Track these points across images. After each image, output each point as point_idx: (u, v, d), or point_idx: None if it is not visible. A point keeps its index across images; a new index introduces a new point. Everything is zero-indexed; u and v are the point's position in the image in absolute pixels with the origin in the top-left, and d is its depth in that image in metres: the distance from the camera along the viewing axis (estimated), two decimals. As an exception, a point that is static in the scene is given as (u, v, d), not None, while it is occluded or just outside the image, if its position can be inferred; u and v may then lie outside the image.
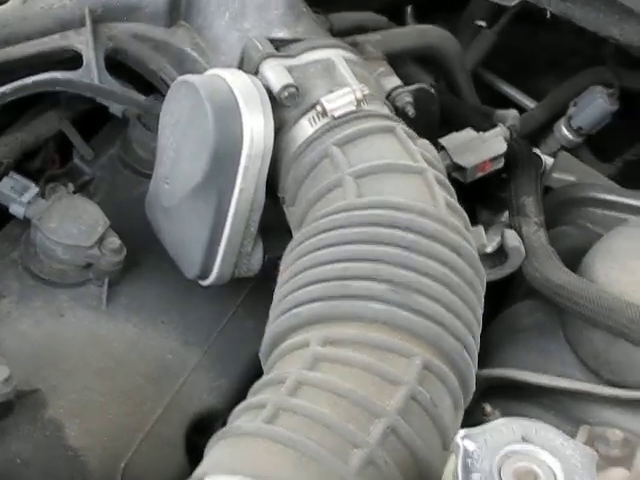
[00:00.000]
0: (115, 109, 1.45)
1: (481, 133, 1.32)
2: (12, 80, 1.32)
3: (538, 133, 1.74)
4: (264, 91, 1.21)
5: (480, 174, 1.29)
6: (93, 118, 1.51)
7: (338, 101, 1.21)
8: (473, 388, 1.06)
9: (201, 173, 1.19)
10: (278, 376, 0.99)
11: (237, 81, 1.21)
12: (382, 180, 1.13)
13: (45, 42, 1.36)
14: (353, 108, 1.20)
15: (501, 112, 1.40)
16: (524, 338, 1.30)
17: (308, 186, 1.18)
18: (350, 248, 1.06)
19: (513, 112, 1.39)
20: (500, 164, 1.31)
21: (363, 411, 0.93)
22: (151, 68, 1.40)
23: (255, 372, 1.28)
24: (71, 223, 1.30)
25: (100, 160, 1.47)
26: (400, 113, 1.28)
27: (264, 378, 1.02)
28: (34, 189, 1.31)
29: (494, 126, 1.36)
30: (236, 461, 0.90)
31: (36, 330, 1.26)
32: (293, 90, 1.21)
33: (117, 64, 1.39)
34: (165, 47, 1.40)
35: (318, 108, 1.21)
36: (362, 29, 1.45)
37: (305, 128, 1.21)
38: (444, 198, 1.12)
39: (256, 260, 1.28)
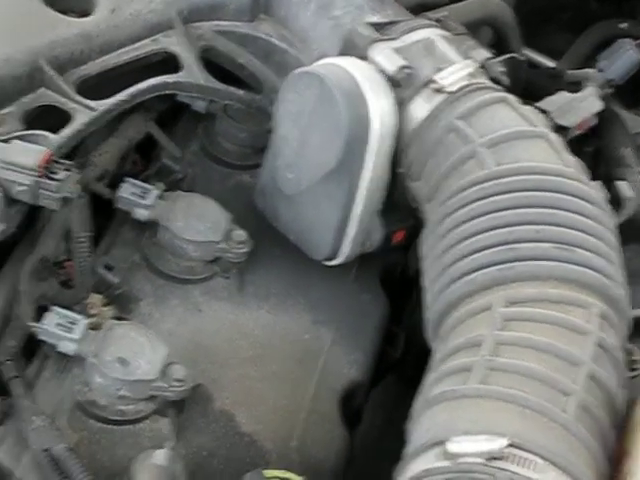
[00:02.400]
0: (198, 106, 1.48)
1: (575, 94, 1.40)
2: (112, 88, 1.35)
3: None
4: (382, 75, 1.27)
5: (577, 132, 1.38)
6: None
7: (451, 77, 1.27)
8: (631, 329, 1.15)
9: (334, 159, 1.25)
10: (470, 340, 1.07)
11: (356, 68, 1.26)
12: (513, 147, 1.20)
13: (139, 48, 1.38)
14: (467, 82, 1.27)
15: (577, 73, 1.49)
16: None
17: (436, 161, 1.25)
18: (507, 213, 1.13)
19: (591, 71, 1.48)
20: (594, 121, 1.40)
21: (564, 362, 1.01)
22: (239, 62, 1.44)
23: (379, 343, 1.37)
24: (196, 220, 1.33)
25: (185, 157, 1.49)
26: (495, 83, 1.35)
27: (452, 344, 1.09)
28: (154, 192, 1.33)
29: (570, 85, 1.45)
30: (467, 421, 0.98)
31: (180, 328, 1.30)
32: (409, 71, 1.27)
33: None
34: (252, 41, 1.44)
35: (433, 85, 1.27)
36: (424, 7, 1.51)
37: (422, 106, 1.27)
38: (570, 157, 1.21)
39: (377, 235, 1.34)
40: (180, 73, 1.36)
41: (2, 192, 1.13)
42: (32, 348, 1.24)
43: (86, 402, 1.18)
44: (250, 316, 1.34)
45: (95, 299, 1.29)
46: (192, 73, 1.36)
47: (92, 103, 1.29)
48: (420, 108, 1.28)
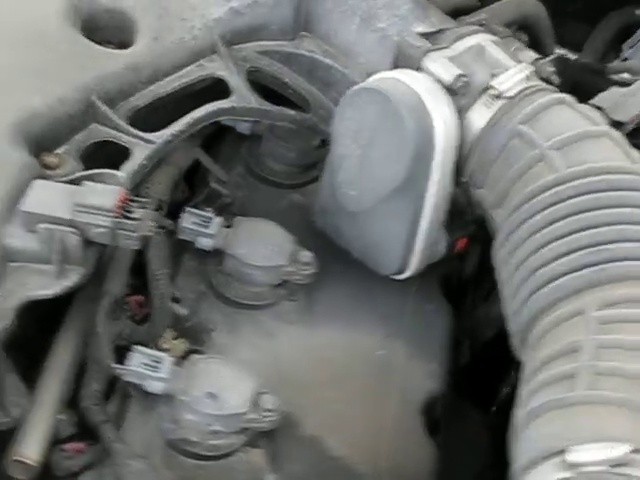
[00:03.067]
0: (242, 128, 1.47)
1: (626, 88, 1.40)
2: (161, 118, 1.34)
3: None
4: (440, 85, 1.26)
5: (631, 127, 1.38)
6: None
7: (508, 82, 1.27)
8: None
9: (401, 175, 1.24)
10: (566, 346, 1.06)
11: (416, 80, 1.25)
12: (581, 148, 1.20)
13: (185, 75, 1.37)
14: (524, 86, 1.27)
15: (618, 66, 1.49)
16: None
17: (501, 167, 1.24)
18: (587, 215, 1.13)
19: (635, 63, 1.48)
20: (647, 114, 1.40)
21: None
22: (284, 81, 1.43)
23: (449, 352, 1.37)
24: (261, 245, 1.32)
25: (232, 180, 1.48)
26: (547, 84, 1.35)
27: (545, 352, 1.08)
28: (216, 220, 1.32)
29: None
30: (584, 429, 0.97)
31: (256, 355, 1.29)
32: (465, 79, 1.27)
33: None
34: (295, 59, 1.43)
35: (491, 92, 1.26)
36: (460, 11, 1.51)
37: (481, 113, 1.27)
38: (636, 153, 1.21)
39: (442, 245, 1.34)
40: (232, 98, 1.35)
41: (80, 235, 1.10)
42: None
43: (178, 440, 1.17)
44: (323, 337, 1.33)
45: (166, 333, 1.27)
46: (243, 97, 1.35)
47: (149, 136, 1.28)
48: (479, 116, 1.27)
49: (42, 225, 1.11)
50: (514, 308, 1.16)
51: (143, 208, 1.13)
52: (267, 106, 1.37)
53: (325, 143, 1.48)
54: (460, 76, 1.27)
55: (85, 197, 1.11)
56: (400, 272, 1.33)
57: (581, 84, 1.42)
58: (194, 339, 1.28)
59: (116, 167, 1.24)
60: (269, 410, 1.16)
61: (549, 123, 1.24)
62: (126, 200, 1.12)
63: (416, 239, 1.30)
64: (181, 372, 1.16)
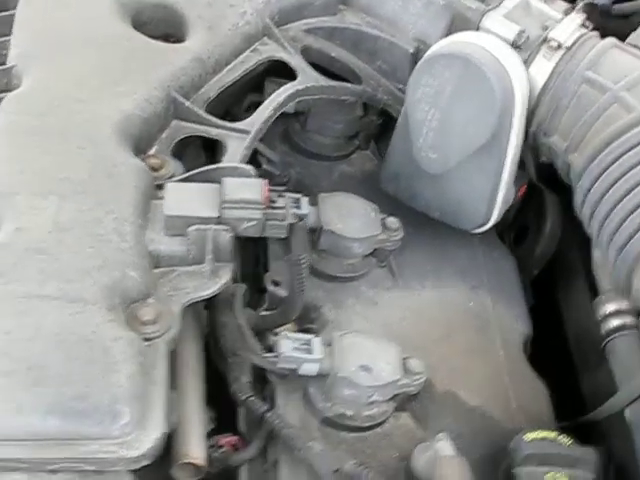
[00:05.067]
0: (288, 107, 1.48)
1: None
2: (227, 106, 1.35)
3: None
4: (505, 43, 1.32)
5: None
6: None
7: (564, 32, 1.35)
8: None
9: (487, 133, 1.31)
10: None
11: (486, 41, 1.31)
12: (649, 86, 1.29)
13: (245, 61, 1.38)
14: (579, 34, 1.35)
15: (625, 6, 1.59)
16: None
17: (573, 113, 1.32)
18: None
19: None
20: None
21: None
22: (332, 56, 1.45)
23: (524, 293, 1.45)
24: (351, 218, 1.34)
25: (281, 160, 1.49)
26: (584, 29, 1.43)
27: None
28: (304, 199, 1.33)
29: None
30: None
31: (368, 324, 1.32)
32: (525, 34, 1.33)
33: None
34: (340, 33, 1.46)
35: (551, 43, 1.34)
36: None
37: (544, 64, 1.34)
38: None
39: (511, 194, 1.41)
40: (300, 78, 1.36)
41: (231, 232, 1.11)
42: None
43: (334, 417, 1.19)
44: (420, 297, 1.39)
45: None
46: (309, 76, 1.37)
47: (241, 125, 1.28)
48: (543, 67, 1.34)
49: (192, 227, 1.10)
50: (611, 254, 1.24)
51: (281, 197, 1.14)
52: (332, 82, 1.39)
53: (367, 112, 1.52)
54: (521, 32, 1.33)
55: (233, 193, 1.11)
56: (483, 225, 1.40)
57: (605, 28, 1.51)
58: (304, 318, 1.30)
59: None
60: (418, 373, 1.20)
61: (612, 66, 1.32)
62: (270, 191, 1.13)
63: (498, 191, 1.36)
64: (332, 351, 1.19)
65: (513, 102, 1.30)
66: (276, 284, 1.32)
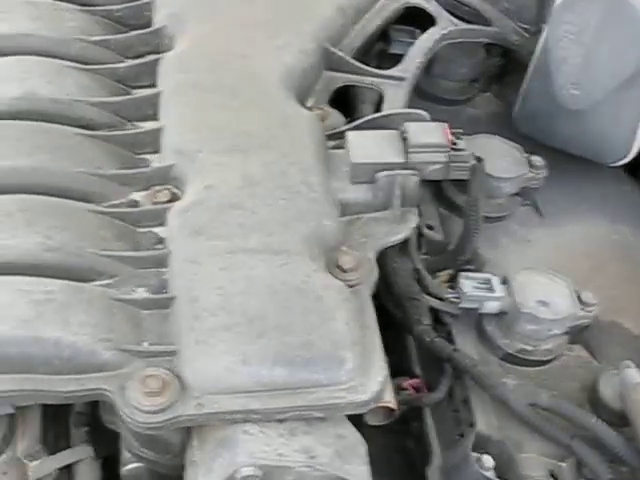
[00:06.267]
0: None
1: None
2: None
3: None
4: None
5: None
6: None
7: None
8: None
9: (634, 65, 1.31)
10: None
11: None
12: None
13: (382, 9, 1.40)
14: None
15: None
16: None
17: None
18: None
19: None
20: None
21: None
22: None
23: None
24: (498, 158, 1.35)
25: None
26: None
27: None
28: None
29: None
30: None
31: (527, 261, 1.32)
32: None
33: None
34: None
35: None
36: None
37: None
38: None
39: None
40: (442, 24, 1.37)
41: (419, 176, 1.12)
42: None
43: (514, 353, 1.21)
44: (567, 233, 1.40)
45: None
46: (449, 20, 1.38)
47: (396, 72, 1.29)
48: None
49: (382, 173, 1.12)
50: None
51: (459, 139, 1.15)
52: (469, 26, 1.40)
53: (491, 53, 1.53)
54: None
55: (418, 137, 1.12)
56: (623, 158, 1.42)
57: None
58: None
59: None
60: (591, 304, 1.22)
61: None
62: (452, 134, 1.14)
63: (639, 125, 1.38)
64: (510, 288, 1.20)
65: (650, 31, 1.32)
66: (430, 228, 1.33)
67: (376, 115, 1.21)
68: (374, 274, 1.10)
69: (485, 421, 1.16)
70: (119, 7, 1.33)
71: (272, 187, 1.10)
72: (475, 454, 1.13)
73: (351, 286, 1.08)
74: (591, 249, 1.39)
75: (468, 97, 1.54)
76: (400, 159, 1.13)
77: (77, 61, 1.24)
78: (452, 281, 1.28)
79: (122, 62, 1.27)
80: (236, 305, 1.01)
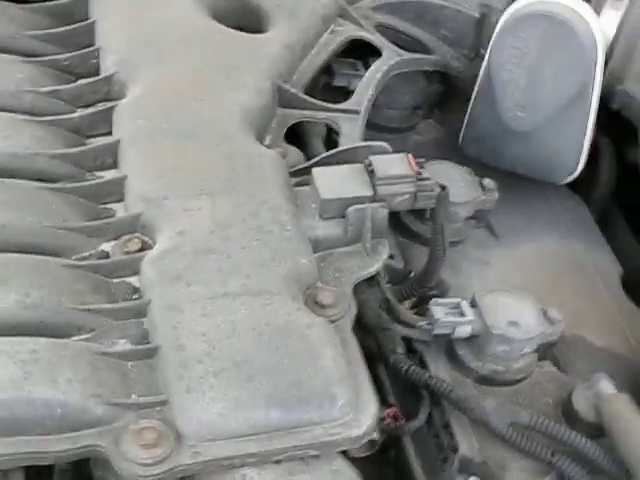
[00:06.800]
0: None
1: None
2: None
3: None
4: (575, -2, 1.38)
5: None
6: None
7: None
8: None
9: (577, 85, 1.36)
10: None
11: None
12: None
13: (327, 43, 1.41)
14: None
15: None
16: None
17: None
18: None
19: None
20: None
21: None
22: (400, 29, 1.49)
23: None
24: (452, 183, 1.36)
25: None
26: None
27: None
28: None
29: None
30: None
31: (487, 283, 1.36)
32: None
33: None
34: (402, 7, 1.49)
35: (613, -8, 1.40)
36: None
37: (613, 14, 1.41)
38: None
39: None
40: (387, 54, 1.39)
41: (387, 207, 1.14)
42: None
43: (488, 374, 1.23)
44: (521, 251, 1.43)
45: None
46: (394, 51, 1.40)
47: (348, 106, 1.31)
48: (612, 17, 1.40)
49: (351, 208, 1.13)
50: None
51: (422, 168, 1.17)
52: (414, 55, 1.43)
53: (431, 81, 1.56)
54: (586, -12, 1.39)
55: (385, 170, 1.14)
56: (571, 174, 1.46)
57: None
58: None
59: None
60: (558, 321, 1.25)
61: None
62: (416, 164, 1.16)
63: (584, 140, 1.42)
64: (480, 311, 1.22)
65: (596, 52, 1.36)
66: (390, 257, 1.34)
67: (337, 150, 1.22)
68: (353, 308, 1.10)
69: (467, 444, 1.17)
70: (66, 56, 1.32)
71: (244, 229, 1.10)
72: (461, 477, 1.15)
73: (332, 322, 1.08)
74: (546, 266, 1.43)
75: (412, 125, 1.57)
76: (369, 192, 1.14)
77: (30, 113, 1.23)
78: (416, 308, 1.30)
79: (74, 112, 1.26)
80: (222, 350, 1.01)
